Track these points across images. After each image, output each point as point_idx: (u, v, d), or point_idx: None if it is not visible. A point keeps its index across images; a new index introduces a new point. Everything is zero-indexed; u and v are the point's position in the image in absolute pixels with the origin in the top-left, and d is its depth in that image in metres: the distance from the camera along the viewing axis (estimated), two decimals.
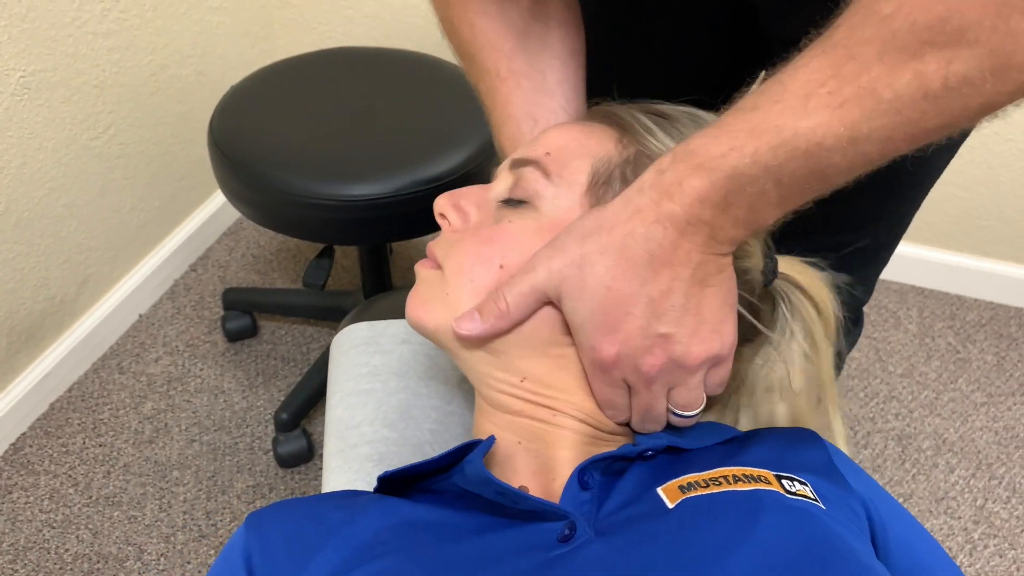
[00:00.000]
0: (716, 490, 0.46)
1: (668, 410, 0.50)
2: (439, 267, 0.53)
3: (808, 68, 0.42)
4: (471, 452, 0.48)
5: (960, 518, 1.27)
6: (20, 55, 1.19)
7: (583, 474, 0.48)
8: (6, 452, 1.32)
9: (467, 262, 0.51)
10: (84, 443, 1.34)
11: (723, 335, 0.48)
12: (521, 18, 0.61)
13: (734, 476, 0.47)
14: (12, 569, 1.18)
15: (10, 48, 1.17)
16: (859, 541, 0.46)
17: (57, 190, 1.32)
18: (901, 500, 1.28)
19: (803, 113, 0.42)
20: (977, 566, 1.20)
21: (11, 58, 1.18)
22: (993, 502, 1.29)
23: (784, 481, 0.47)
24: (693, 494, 0.46)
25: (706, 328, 0.47)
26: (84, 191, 1.37)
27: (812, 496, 0.47)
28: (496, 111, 0.62)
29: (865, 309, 1.63)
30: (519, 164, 0.53)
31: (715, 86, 0.53)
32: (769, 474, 0.48)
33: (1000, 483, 1.31)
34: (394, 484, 0.52)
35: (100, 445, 1.34)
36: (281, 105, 1.22)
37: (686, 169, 0.44)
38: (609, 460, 0.49)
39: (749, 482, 0.47)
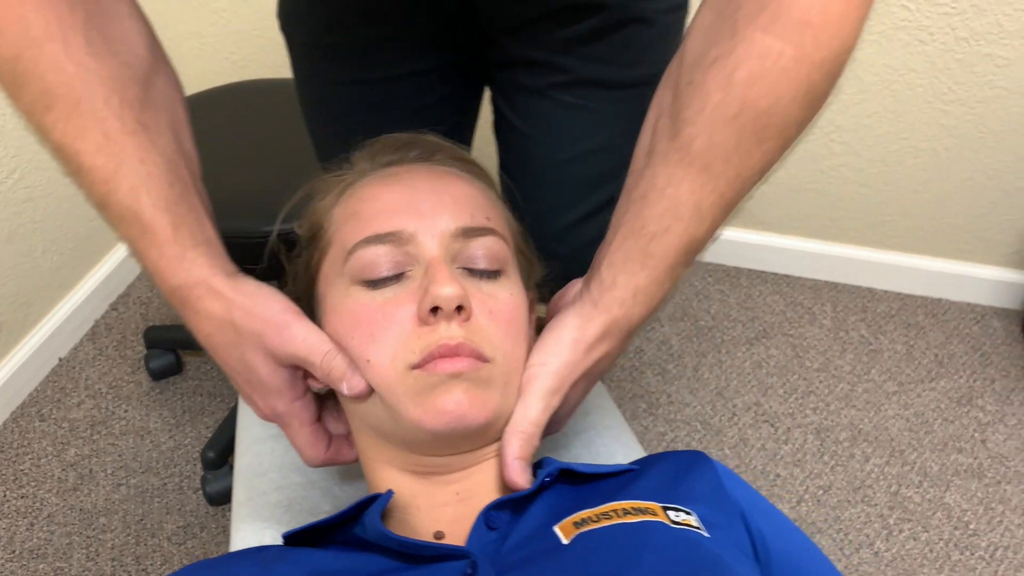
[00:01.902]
0: (607, 523, 0.48)
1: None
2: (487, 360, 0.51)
3: (682, 189, 0.51)
4: (369, 508, 0.49)
5: (876, 505, 1.32)
6: None
7: (487, 516, 0.50)
8: None
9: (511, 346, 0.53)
10: (5, 496, 1.31)
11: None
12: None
13: (623, 510, 0.50)
14: None
15: None
16: (740, 563, 0.49)
17: None
18: (820, 492, 1.34)
19: (699, 222, 0.51)
20: (894, 550, 1.26)
21: None
22: (906, 487, 1.35)
23: (670, 512, 0.50)
24: (586, 528, 0.48)
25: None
26: None
27: (696, 525, 0.49)
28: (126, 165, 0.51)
29: (780, 307, 1.69)
30: (476, 234, 0.53)
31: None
32: (656, 506, 0.50)
33: (912, 468, 1.38)
34: (302, 537, 0.53)
35: (22, 497, 1.31)
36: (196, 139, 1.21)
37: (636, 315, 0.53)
38: (513, 501, 0.51)
39: (637, 515, 0.49)
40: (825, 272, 1.73)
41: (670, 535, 0.47)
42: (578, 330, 0.52)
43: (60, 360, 1.51)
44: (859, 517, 1.31)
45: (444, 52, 0.77)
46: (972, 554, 1.25)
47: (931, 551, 1.26)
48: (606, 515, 0.49)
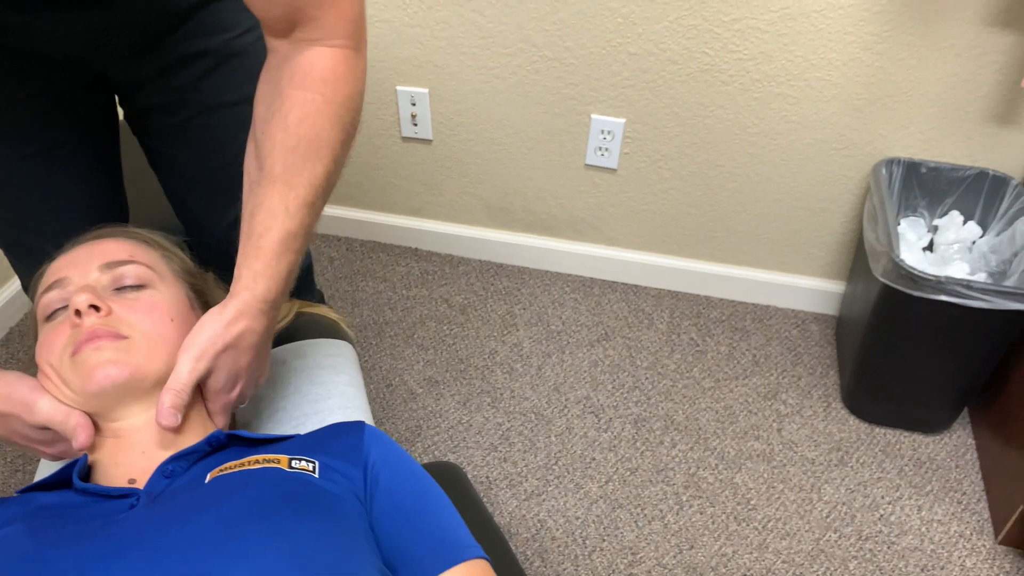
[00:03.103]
0: (238, 469, 0.69)
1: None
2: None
3: (273, 200, 0.72)
4: (73, 468, 0.70)
5: (674, 484, 1.53)
6: None
7: (163, 467, 0.70)
8: None
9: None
10: None
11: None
12: None
13: (255, 461, 0.70)
14: None
15: None
16: (338, 488, 0.68)
17: None
18: (627, 473, 1.55)
19: (290, 219, 0.72)
20: (681, 523, 1.47)
21: None
22: (703, 470, 1.56)
23: (293, 461, 0.70)
24: (222, 473, 0.69)
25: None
26: None
27: (311, 469, 0.70)
28: None
29: (624, 313, 1.90)
30: (118, 264, 0.76)
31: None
32: (284, 458, 0.70)
33: (712, 454, 1.59)
34: (34, 490, 0.74)
35: None
36: None
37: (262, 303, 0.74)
38: (186, 455, 0.71)
39: (264, 463, 0.69)
40: (666, 282, 1.94)
41: (281, 475, 0.68)
42: (218, 313, 0.73)
43: (10, 329, 1.71)
44: (657, 495, 1.51)
45: (89, 118, 0.96)
46: (748, 525, 1.46)
47: (713, 523, 1.47)
48: (241, 465, 0.69)
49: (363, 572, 0.62)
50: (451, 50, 1.70)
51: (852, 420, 1.65)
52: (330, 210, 2.10)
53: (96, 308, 0.71)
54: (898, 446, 1.60)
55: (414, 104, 1.79)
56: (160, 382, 0.72)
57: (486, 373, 1.75)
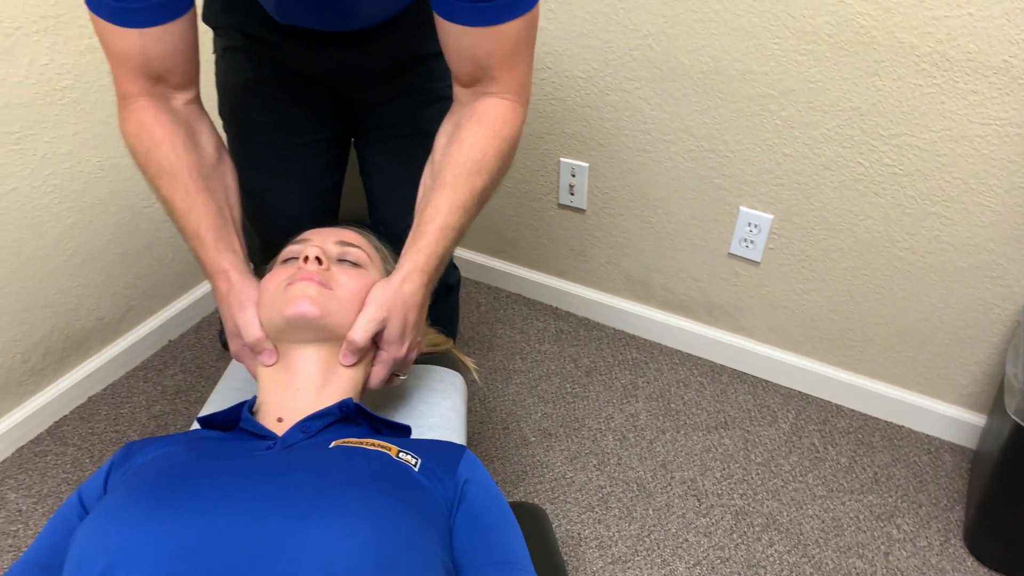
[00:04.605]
0: (357, 446, 0.81)
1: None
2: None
3: (440, 201, 0.93)
4: (243, 405, 0.87)
5: None
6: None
7: (302, 424, 0.84)
8: (50, 428, 1.79)
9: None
10: (105, 430, 1.79)
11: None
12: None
13: (371, 444, 0.82)
14: (34, 509, 1.62)
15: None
16: (431, 486, 0.78)
17: (114, 242, 1.81)
18: (718, 561, 1.55)
19: (449, 215, 0.93)
20: None
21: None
22: (798, 574, 1.53)
23: (401, 453, 0.81)
24: (343, 444, 0.81)
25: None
26: (135, 243, 1.86)
27: (413, 464, 0.80)
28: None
29: (748, 406, 1.94)
30: (346, 245, 0.96)
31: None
32: (394, 448, 0.82)
33: (810, 561, 1.55)
34: (207, 421, 0.90)
35: (116, 431, 1.79)
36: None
37: (422, 273, 0.93)
38: (321, 416, 0.85)
39: (378, 447, 0.81)
40: (797, 382, 1.93)
41: (387, 459, 0.78)
42: (389, 279, 0.92)
43: (169, 342, 2.01)
44: None
45: (332, 126, 1.27)
46: None
47: None
48: (360, 443, 0.81)
49: (430, 559, 0.70)
50: (614, 131, 1.83)
51: (970, 561, 1.56)
52: (485, 260, 2.27)
53: (319, 261, 0.89)
54: None
55: (574, 175, 1.93)
56: (338, 336, 0.88)
57: (598, 436, 1.81)
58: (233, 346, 0.94)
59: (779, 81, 1.59)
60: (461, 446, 0.88)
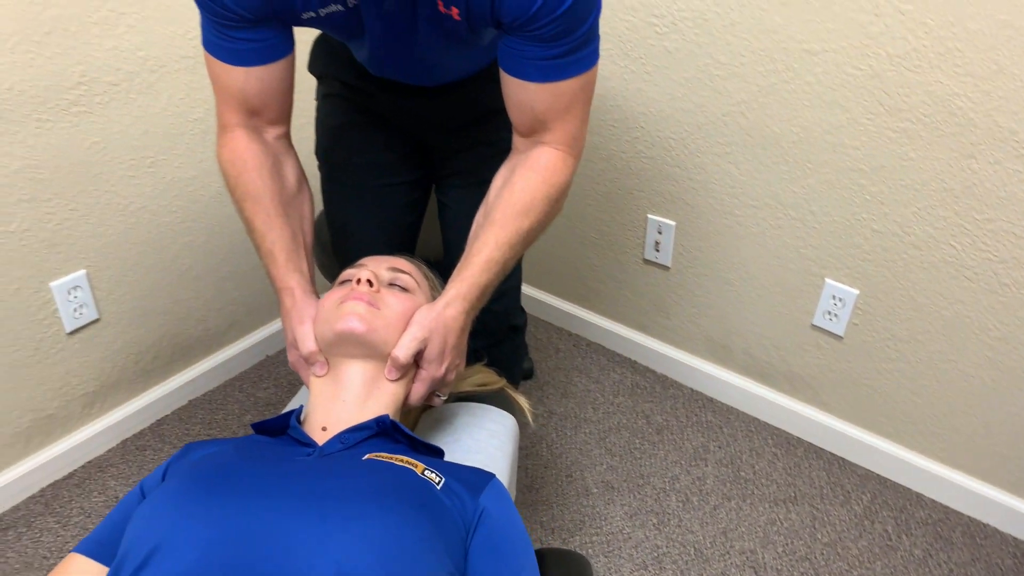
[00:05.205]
0: (388, 461, 0.86)
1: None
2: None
3: (489, 236, 1.01)
4: (291, 416, 0.95)
5: None
6: None
7: (341, 435, 0.91)
8: (152, 425, 1.95)
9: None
10: (200, 432, 1.94)
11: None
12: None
13: (400, 460, 0.87)
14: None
15: None
16: (451, 505, 0.83)
17: (225, 262, 1.97)
18: None
19: (496, 249, 1.00)
20: None
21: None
22: None
23: (426, 471, 0.87)
24: (374, 457, 0.87)
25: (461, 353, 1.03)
26: (243, 265, 2.02)
27: (436, 482, 0.85)
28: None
29: (821, 483, 1.91)
30: (398, 271, 1.03)
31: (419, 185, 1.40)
32: (420, 465, 0.87)
33: None
34: (260, 427, 0.98)
35: (209, 434, 1.93)
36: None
37: (464, 300, 1.00)
38: (359, 430, 0.91)
39: (406, 463, 0.87)
40: (876, 464, 1.86)
41: (411, 475, 0.83)
42: (435, 303, 0.99)
43: (266, 357, 2.16)
44: None
45: (413, 171, 1.38)
46: None
47: None
48: (390, 458, 0.87)
49: (436, 569, 0.74)
50: (703, 192, 1.85)
51: None
52: (568, 307, 2.32)
53: (371, 283, 0.97)
54: None
55: (660, 232, 1.96)
56: (383, 353, 0.95)
57: (661, 495, 1.81)
58: (291, 356, 1.03)
59: (871, 156, 1.58)
60: (490, 474, 0.91)
